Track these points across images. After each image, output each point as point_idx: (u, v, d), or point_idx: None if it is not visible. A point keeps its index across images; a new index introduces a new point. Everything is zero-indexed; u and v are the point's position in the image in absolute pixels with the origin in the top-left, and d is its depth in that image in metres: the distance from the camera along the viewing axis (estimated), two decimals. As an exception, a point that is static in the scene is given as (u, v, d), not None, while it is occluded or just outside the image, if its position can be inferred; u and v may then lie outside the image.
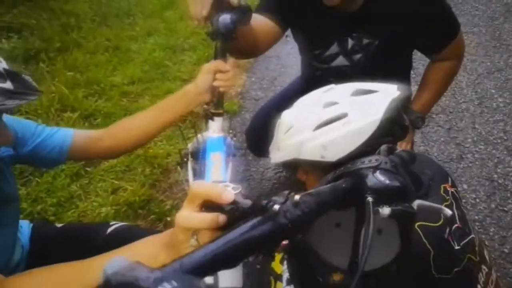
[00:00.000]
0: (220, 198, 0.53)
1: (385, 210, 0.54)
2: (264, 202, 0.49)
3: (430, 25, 1.34)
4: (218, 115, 1.21)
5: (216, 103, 1.20)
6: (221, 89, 1.17)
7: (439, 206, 0.63)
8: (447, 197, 0.91)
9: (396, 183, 0.55)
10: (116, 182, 2.08)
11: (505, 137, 2.42)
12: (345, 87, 0.88)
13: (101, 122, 2.45)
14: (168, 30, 3.44)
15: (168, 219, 1.90)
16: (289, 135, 0.86)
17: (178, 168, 2.09)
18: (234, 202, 0.52)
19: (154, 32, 3.41)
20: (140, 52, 3.14)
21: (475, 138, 2.42)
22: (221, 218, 0.54)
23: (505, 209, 1.98)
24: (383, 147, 0.63)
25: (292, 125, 0.86)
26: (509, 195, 2.05)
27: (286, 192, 0.51)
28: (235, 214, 0.52)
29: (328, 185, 0.57)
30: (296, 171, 0.98)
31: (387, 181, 0.55)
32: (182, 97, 1.18)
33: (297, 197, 0.50)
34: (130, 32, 3.41)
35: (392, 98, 0.78)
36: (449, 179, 0.98)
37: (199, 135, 1.38)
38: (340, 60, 1.44)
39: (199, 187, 0.56)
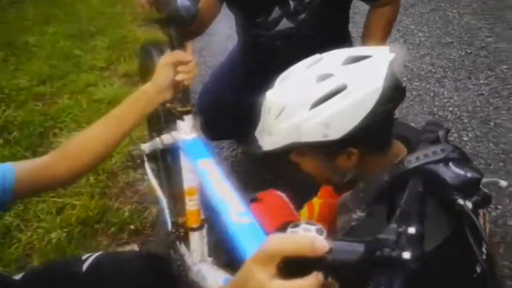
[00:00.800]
0: (313, 250, 0.40)
1: (469, 205, 0.49)
2: (372, 245, 0.39)
3: None
4: (187, 112, 1.07)
5: (183, 99, 1.05)
6: (185, 83, 1.02)
7: (495, 179, 0.59)
8: None
9: (477, 174, 0.49)
10: (59, 200, 1.83)
11: (433, 70, 2.54)
12: (333, 56, 0.81)
13: (18, 135, 2.13)
14: (67, 15, 3.04)
15: (132, 227, 1.73)
16: (283, 117, 0.78)
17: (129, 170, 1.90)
18: (330, 251, 0.41)
19: (51, 19, 2.99)
20: (41, 44, 2.75)
21: (409, 76, 2.50)
22: (320, 278, 0.41)
23: (451, 138, 2.09)
24: (442, 133, 0.56)
25: (285, 106, 0.77)
26: (450, 124, 2.16)
27: (393, 226, 0.40)
28: (332, 266, 0.41)
29: (408, 194, 0.49)
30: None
31: (468, 174, 0.49)
32: (140, 99, 1.01)
33: (411, 230, 0.40)
34: (22, 22, 2.95)
35: (389, 62, 0.73)
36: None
37: (162, 136, 1.22)
38: (284, 23, 1.36)
39: (276, 242, 0.42)
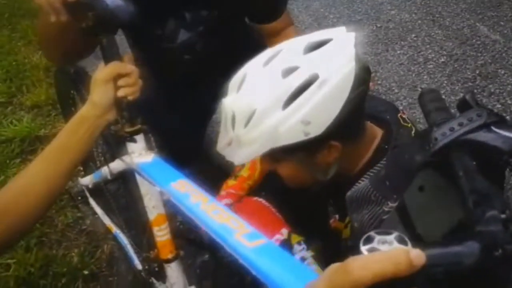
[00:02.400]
0: (411, 266, 0.31)
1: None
2: (484, 242, 0.31)
3: None
4: (138, 132, 0.93)
5: (129, 118, 0.91)
6: (129, 98, 0.88)
7: None
8: (409, 124, 0.88)
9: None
10: (-13, 264, 1.55)
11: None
12: (290, 48, 0.74)
13: None
14: None
15: (85, 272, 1.52)
16: (254, 124, 0.70)
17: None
18: (428, 261, 0.32)
19: None
20: None
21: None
22: None
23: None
24: (469, 96, 0.50)
25: (253, 110, 0.69)
26: (384, 97, 2.22)
27: (491, 214, 0.33)
28: (435, 279, 0.33)
29: (465, 173, 0.43)
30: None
31: (519, 135, 0.44)
32: (79, 126, 0.86)
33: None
34: None
35: (354, 42, 0.69)
36: (398, 107, 0.96)
37: (111, 165, 1.06)
38: (184, 34, 1.27)
39: (360, 267, 0.32)
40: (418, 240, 0.60)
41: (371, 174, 0.69)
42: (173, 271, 1.02)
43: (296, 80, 0.68)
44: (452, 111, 1.90)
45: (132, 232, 1.18)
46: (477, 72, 2.21)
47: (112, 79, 0.84)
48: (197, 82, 1.40)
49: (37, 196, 0.80)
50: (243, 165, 1.08)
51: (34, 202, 0.80)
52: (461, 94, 2.09)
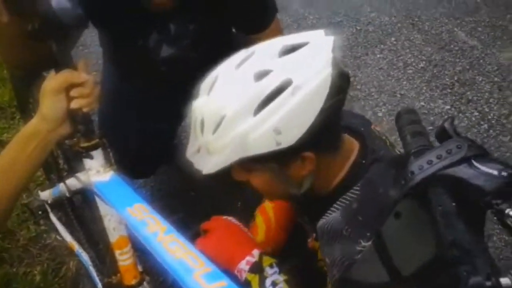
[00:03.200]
0: None
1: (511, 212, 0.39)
2: None
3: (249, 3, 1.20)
4: (95, 147, 0.85)
5: (85, 132, 0.84)
6: (84, 110, 0.80)
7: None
8: (383, 137, 0.83)
9: (510, 170, 0.40)
10: None
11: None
12: (265, 49, 0.70)
13: None
14: None
15: (47, 291, 1.43)
16: (223, 130, 0.65)
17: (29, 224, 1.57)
18: None
19: None
20: None
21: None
22: None
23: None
24: (448, 124, 0.45)
25: (223, 116, 0.65)
26: (363, 103, 2.18)
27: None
28: None
29: (441, 217, 0.37)
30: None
31: (503, 173, 0.39)
32: (29, 142, 0.78)
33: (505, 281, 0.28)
34: None
35: (332, 47, 0.65)
36: (369, 120, 0.91)
37: (67, 182, 0.98)
38: (166, 50, 1.22)
39: None
40: (394, 273, 0.55)
41: (344, 201, 0.64)
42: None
43: (268, 85, 0.64)
44: (431, 118, 1.85)
45: (95, 253, 1.10)
46: (455, 78, 2.20)
47: (64, 89, 0.77)
48: (174, 87, 1.34)
49: None
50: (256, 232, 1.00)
51: None
52: (440, 102, 2.08)
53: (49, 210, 1.25)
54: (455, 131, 0.45)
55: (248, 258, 0.84)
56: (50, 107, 0.77)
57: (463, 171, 0.40)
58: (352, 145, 0.78)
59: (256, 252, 0.85)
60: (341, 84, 0.66)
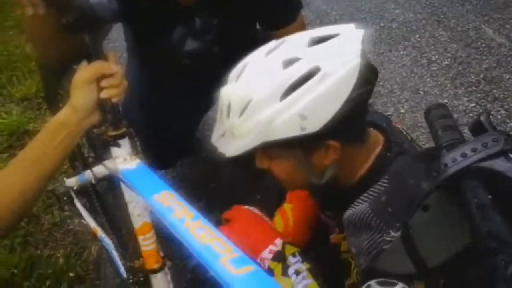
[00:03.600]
0: None
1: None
2: None
3: None
4: (123, 135, 0.87)
5: (113, 121, 0.85)
6: (114, 100, 0.82)
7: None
8: (403, 132, 0.83)
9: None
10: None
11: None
12: (294, 40, 0.71)
13: None
14: None
15: (71, 274, 1.46)
16: (249, 114, 0.66)
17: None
18: None
19: None
20: None
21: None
22: None
23: (389, 113, 2.09)
24: (484, 118, 0.45)
25: (249, 100, 0.66)
26: (385, 99, 2.16)
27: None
28: None
29: (478, 209, 0.37)
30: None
31: (541, 167, 0.39)
32: (58, 132, 0.79)
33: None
34: None
35: (362, 39, 0.66)
36: (389, 117, 0.91)
37: (94, 169, 1.00)
38: (191, 43, 1.23)
39: None
40: (420, 264, 0.55)
41: (372, 194, 0.64)
42: (159, 282, 0.97)
43: (296, 71, 0.64)
44: (455, 115, 1.82)
45: (118, 238, 1.12)
46: (482, 76, 2.15)
47: (95, 80, 0.78)
48: (197, 82, 1.35)
49: (10, 205, 0.74)
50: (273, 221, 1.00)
51: (5, 212, 0.74)
52: (465, 99, 2.04)
53: (74, 196, 1.28)
54: (491, 124, 0.44)
55: (271, 247, 0.85)
56: (82, 97, 0.78)
57: (499, 164, 0.39)
58: (377, 138, 0.78)
59: (278, 241, 0.85)
60: (368, 76, 0.66)
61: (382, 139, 0.77)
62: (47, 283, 1.45)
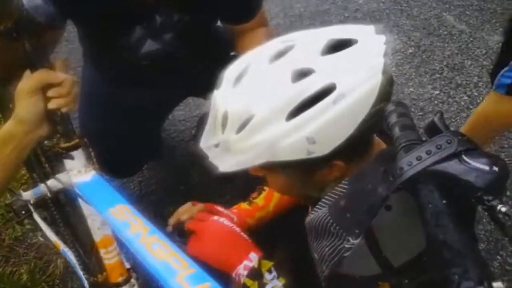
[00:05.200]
0: None
1: (503, 208, 0.37)
2: None
3: None
4: (75, 147, 0.82)
5: (65, 133, 0.81)
6: (63, 110, 0.77)
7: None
8: None
9: (503, 164, 0.38)
10: None
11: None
12: (307, 41, 0.61)
13: None
14: None
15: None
16: (250, 132, 0.59)
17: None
18: None
19: None
20: None
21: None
22: None
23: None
24: (438, 118, 0.43)
25: (251, 116, 0.58)
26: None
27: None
28: None
29: (436, 213, 0.36)
30: None
31: (495, 168, 0.37)
32: (6, 144, 0.75)
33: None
34: None
35: (384, 48, 0.59)
36: None
37: (48, 182, 0.95)
38: (150, 45, 1.18)
39: None
40: (385, 265, 0.54)
41: (332, 197, 0.61)
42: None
43: (308, 87, 0.56)
44: (421, 104, 1.82)
45: (80, 252, 1.08)
46: (444, 63, 2.18)
47: (40, 90, 0.74)
48: (157, 84, 1.30)
49: None
50: (259, 192, 0.96)
51: None
52: (429, 87, 2.06)
53: (32, 210, 1.22)
54: (445, 125, 0.43)
55: (245, 262, 0.79)
56: (26, 109, 0.74)
57: (453, 167, 0.38)
58: (379, 146, 0.71)
59: (253, 256, 0.80)
60: (387, 90, 0.59)
61: (384, 146, 0.71)
62: (11, 301, 1.39)
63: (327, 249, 0.54)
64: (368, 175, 0.54)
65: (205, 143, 0.67)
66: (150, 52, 1.18)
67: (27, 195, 1.16)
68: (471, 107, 1.93)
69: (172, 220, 0.94)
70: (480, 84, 2.05)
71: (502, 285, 0.29)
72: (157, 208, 1.63)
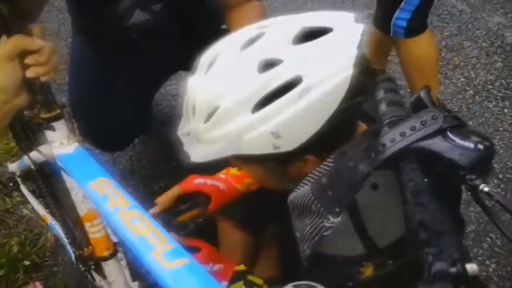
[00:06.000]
0: None
1: (486, 188, 0.36)
2: None
3: None
4: (57, 118, 0.80)
5: (45, 103, 0.78)
6: (42, 79, 0.75)
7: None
8: None
9: (488, 143, 0.36)
10: None
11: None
12: (279, 28, 0.59)
13: None
14: None
15: (26, 262, 1.40)
16: (215, 123, 0.57)
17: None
18: None
19: None
20: None
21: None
22: None
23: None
24: (424, 93, 0.41)
25: (216, 107, 0.56)
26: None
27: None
28: None
29: (417, 191, 0.34)
30: None
31: (480, 145, 0.36)
32: None
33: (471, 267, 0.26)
34: None
35: (359, 38, 0.55)
36: None
37: (31, 154, 0.93)
38: (139, 15, 1.14)
39: None
40: (370, 245, 0.53)
41: (315, 174, 0.60)
42: (111, 269, 0.93)
43: (274, 79, 0.54)
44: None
45: (66, 225, 1.07)
46: (443, 43, 2.14)
47: (16, 56, 0.70)
48: (146, 57, 1.27)
49: None
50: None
51: None
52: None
53: (19, 182, 1.21)
54: (431, 101, 0.41)
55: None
56: (3, 76, 0.71)
57: (437, 144, 0.37)
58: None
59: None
60: (362, 84, 0.55)
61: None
62: (1, 272, 1.38)
63: (308, 227, 0.53)
64: (352, 152, 0.52)
65: (180, 130, 0.66)
66: (139, 23, 1.14)
67: (13, 166, 1.15)
68: (467, 88, 1.91)
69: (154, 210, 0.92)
70: (478, 65, 2.02)
71: (477, 267, 0.28)
72: (147, 183, 1.63)
